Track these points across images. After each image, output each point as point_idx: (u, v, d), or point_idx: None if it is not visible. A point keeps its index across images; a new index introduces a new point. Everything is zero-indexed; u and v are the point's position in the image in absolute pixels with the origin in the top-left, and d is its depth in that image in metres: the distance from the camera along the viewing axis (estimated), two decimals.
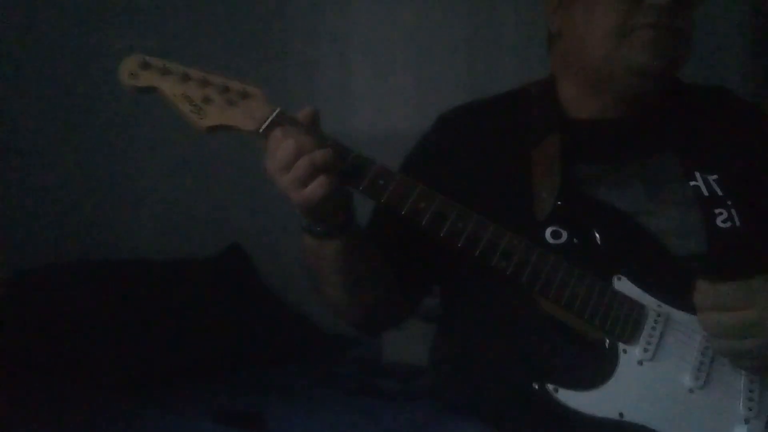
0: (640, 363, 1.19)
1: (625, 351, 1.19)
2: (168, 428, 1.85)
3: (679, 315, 1.21)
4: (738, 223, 1.28)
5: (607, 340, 1.19)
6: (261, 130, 1.14)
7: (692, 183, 1.30)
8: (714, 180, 1.31)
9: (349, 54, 2.97)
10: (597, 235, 1.23)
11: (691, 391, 1.19)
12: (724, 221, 1.28)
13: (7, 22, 2.52)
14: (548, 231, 1.23)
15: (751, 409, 1.19)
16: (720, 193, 1.30)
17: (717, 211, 1.29)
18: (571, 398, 1.16)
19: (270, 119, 1.14)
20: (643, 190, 1.31)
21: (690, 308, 1.20)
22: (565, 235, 1.23)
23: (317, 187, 1.11)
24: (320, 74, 2.98)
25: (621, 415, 1.16)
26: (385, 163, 1.21)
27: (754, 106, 1.46)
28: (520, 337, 1.27)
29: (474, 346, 1.35)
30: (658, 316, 1.20)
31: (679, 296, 1.21)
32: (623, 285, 1.21)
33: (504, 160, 1.33)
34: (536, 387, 1.16)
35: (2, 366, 2.04)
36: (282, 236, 2.78)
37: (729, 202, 1.29)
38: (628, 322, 1.19)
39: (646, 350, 1.19)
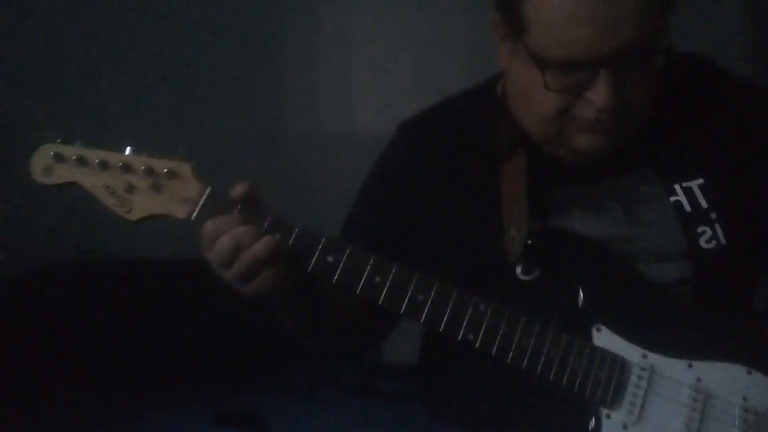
0: (625, 427, 1.12)
1: (608, 416, 1.12)
2: (168, 428, 1.85)
3: (665, 364, 1.14)
4: (723, 241, 1.19)
5: (589, 405, 1.12)
6: (193, 218, 1.08)
7: (672, 198, 1.20)
8: (698, 186, 1.21)
9: (349, 54, 2.97)
10: (580, 291, 1.15)
11: None
12: (707, 241, 1.19)
13: (7, 22, 2.51)
14: (519, 268, 1.15)
15: None
16: (704, 204, 1.20)
17: (700, 230, 1.19)
18: None
19: (200, 205, 1.08)
20: (621, 211, 1.20)
21: (676, 352, 1.14)
22: (537, 271, 1.15)
23: (264, 281, 1.04)
24: (320, 74, 2.98)
25: None
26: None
27: (741, 79, 1.31)
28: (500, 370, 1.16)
29: (455, 366, 1.27)
30: (642, 370, 1.13)
31: (665, 339, 1.14)
32: (603, 337, 1.14)
33: (472, 178, 1.23)
34: None
35: (2, 366, 2.04)
36: None
37: (713, 215, 1.20)
38: (610, 384, 1.11)
39: (630, 413, 1.12)
